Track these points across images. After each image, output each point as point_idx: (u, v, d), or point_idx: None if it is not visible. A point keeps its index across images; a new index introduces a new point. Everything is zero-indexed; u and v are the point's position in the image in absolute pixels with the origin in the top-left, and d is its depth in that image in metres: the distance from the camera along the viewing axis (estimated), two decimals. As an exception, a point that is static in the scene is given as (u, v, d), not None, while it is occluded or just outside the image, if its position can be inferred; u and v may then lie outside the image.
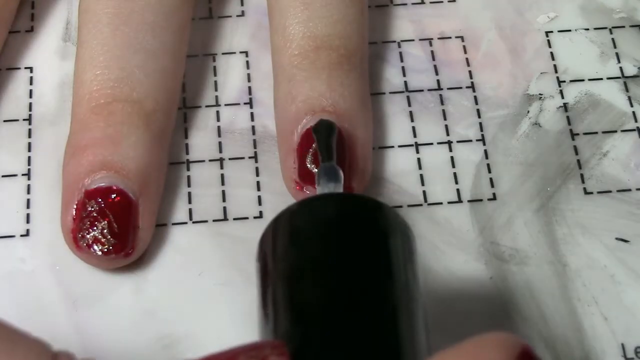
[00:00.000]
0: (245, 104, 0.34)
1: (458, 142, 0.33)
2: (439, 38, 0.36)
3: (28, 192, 0.32)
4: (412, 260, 0.25)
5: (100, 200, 0.30)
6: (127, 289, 0.30)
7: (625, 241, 0.32)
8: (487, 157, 0.33)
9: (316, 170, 0.30)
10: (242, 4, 0.36)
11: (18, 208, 0.32)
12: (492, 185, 0.33)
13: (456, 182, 0.33)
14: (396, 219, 0.25)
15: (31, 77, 0.34)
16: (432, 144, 0.33)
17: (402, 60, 0.35)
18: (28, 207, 0.32)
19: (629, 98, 0.34)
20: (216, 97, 0.34)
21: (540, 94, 0.34)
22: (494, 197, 0.32)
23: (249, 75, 0.35)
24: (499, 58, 0.35)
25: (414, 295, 0.24)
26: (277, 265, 0.24)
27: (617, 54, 0.35)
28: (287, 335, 0.23)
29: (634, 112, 0.34)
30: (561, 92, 0.34)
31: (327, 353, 0.22)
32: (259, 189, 0.32)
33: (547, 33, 0.36)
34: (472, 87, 0.35)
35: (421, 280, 0.25)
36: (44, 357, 0.22)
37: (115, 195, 0.30)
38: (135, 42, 0.31)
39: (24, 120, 0.33)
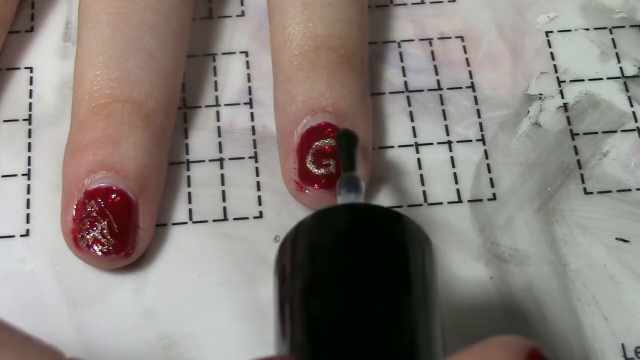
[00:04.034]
0: (245, 104, 0.34)
1: (458, 142, 0.33)
2: (439, 38, 0.36)
3: (28, 192, 0.32)
4: (431, 273, 0.24)
5: (100, 200, 0.30)
6: (127, 289, 0.30)
7: (625, 241, 0.32)
8: (487, 157, 0.33)
9: (317, 170, 0.30)
10: (242, 4, 0.36)
11: (18, 208, 0.32)
12: (492, 185, 0.33)
13: (456, 182, 0.33)
14: (416, 231, 0.24)
15: (31, 77, 0.34)
16: (432, 144, 0.33)
17: (402, 60, 0.35)
18: (28, 207, 0.32)
19: (629, 98, 0.34)
20: (216, 97, 0.34)
21: (540, 94, 0.34)
22: (494, 197, 0.32)
23: (249, 75, 0.35)
24: (499, 58, 0.35)
25: (432, 309, 0.23)
26: (293, 280, 0.24)
27: (617, 54, 0.35)
28: (301, 350, 0.22)
29: (634, 112, 0.34)
30: (561, 92, 0.34)
31: None
32: (259, 189, 0.32)
33: (547, 33, 0.36)
34: (472, 87, 0.35)
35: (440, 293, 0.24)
36: None
37: (115, 195, 0.30)
38: (135, 42, 0.31)
39: (24, 120, 0.33)
